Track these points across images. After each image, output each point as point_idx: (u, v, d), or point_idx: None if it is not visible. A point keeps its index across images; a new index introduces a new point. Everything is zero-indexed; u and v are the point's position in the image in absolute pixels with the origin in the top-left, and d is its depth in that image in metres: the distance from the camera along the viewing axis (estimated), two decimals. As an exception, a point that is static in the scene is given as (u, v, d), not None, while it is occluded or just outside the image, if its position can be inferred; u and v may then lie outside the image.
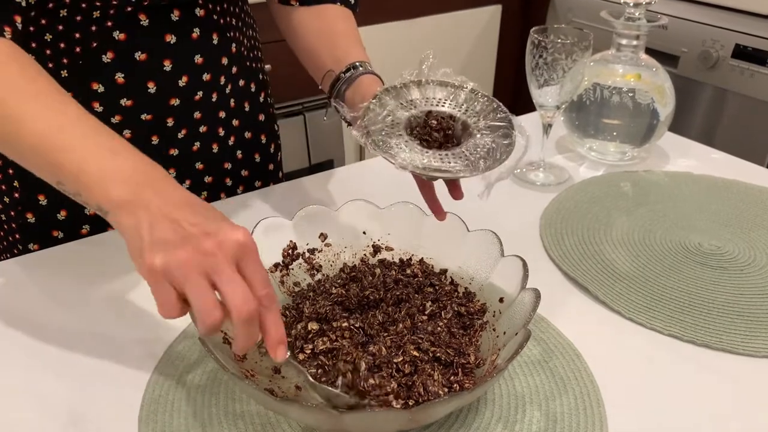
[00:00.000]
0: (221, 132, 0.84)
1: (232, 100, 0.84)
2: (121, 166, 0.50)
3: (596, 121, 0.94)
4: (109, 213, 0.48)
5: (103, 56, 0.71)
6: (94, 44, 0.70)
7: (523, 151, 0.61)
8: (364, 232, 0.66)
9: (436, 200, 0.66)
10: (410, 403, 0.49)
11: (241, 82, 0.85)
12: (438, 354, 0.53)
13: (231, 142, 0.86)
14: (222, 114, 0.83)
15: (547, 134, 0.89)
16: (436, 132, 0.62)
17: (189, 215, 0.47)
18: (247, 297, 0.44)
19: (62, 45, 0.69)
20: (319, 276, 0.64)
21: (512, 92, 2.39)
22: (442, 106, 0.63)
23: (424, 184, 0.66)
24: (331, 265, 0.65)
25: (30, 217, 0.78)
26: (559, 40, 0.80)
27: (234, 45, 0.81)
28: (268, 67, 0.96)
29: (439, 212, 0.65)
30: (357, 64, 0.71)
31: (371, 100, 0.62)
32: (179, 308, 0.46)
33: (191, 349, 0.59)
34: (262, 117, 0.91)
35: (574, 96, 0.88)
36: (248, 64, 0.86)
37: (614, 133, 0.94)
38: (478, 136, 0.61)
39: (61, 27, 0.69)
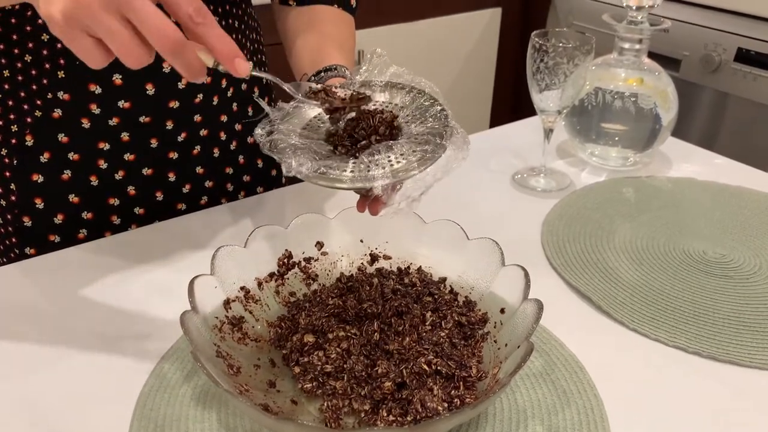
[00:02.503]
0: (223, 136, 0.83)
1: (234, 104, 0.83)
2: None
3: (598, 126, 0.93)
4: None
5: None
6: None
7: (450, 164, 0.52)
8: (361, 240, 0.65)
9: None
10: (408, 419, 0.48)
11: (244, 86, 0.84)
12: (439, 367, 0.51)
13: (233, 146, 0.85)
14: (223, 118, 0.82)
15: (549, 139, 0.88)
16: (351, 135, 0.54)
17: None
18: (166, 27, 0.41)
19: (59, 45, 0.68)
20: (315, 286, 0.63)
21: (512, 96, 2.38)
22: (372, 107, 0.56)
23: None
24: (328, 275, 0.64)
25: (27, 221, 0.76)
26: (561, 44, 0.79)
27: None
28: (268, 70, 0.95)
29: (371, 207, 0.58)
30: (333, 66, 0.67)
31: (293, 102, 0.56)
32: (102, 55, 0.43)
33: (184, 361, 0.58)
34: None
35: (576, 100, 0.86)
36: None
37: (616, 138, 0.93)
38: (400, 141, 0.53)
39: None
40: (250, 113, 0.86)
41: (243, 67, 0.44)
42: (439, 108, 0.55)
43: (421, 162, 0.50)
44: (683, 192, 0.88)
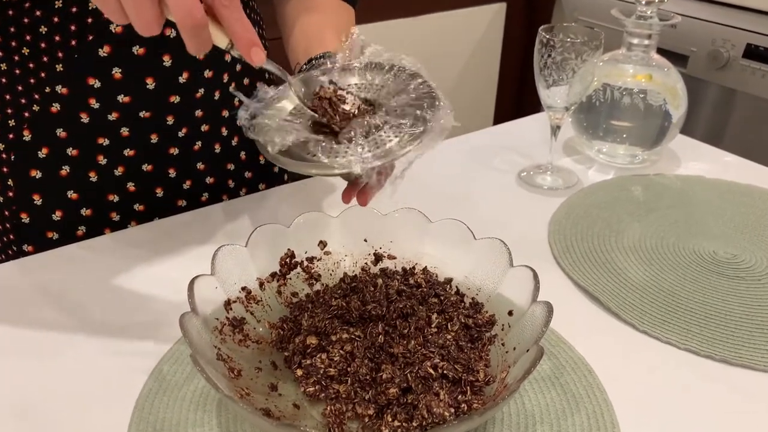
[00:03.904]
0: (224, 131, 0.81)
1: (236, 99, 0.81)
2: None
3: (606, 122, 0.91)
4: None
5: (100, 50, 0.68)
6: (90, 37, 0.67)
7: (432, 139, 0.49)
8: (365, 240, 0.63)
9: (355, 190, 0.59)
10: (414, 425, 0.46)
11: (246, 81, 0.82)
12: (445, 371, 0.50)
13: (234, 142, 0.83)
14: (225, 113, 0.80)
15: (556, 136, 0.86)
16: (330, 116, 0.52)
17: None
18: (193, 7, 0.40)
19: (57, 38, 0.67)
20: (318, 286, 0.61)
21: (517, 92, 2.36)
22: (350, 89, 0.55)
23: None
24: (331, 275, 0.62)
25: (24, 218, 0.75)
26: (569, 39, 0.77)
27: None
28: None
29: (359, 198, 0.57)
30: (326, 54, 0.64)
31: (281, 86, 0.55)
32: (123, 15, 0.42)
33: (184, 362, 0.56)
34: None
35: (584, 97, 0.85)
36: None
37: (624, 136, 0.91)
38: (382, 120, 0.51)
39: (56, 19, 0.66)
40: None
41: (259, 57, 0.44)
42: (420, 81, 0.53)
43: (412, 138, 0.48)
44: (692, 190, 0.86)
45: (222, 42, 0.45)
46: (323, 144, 0.50)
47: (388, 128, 0.50)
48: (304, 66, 0.64)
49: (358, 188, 0.59)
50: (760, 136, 1.51)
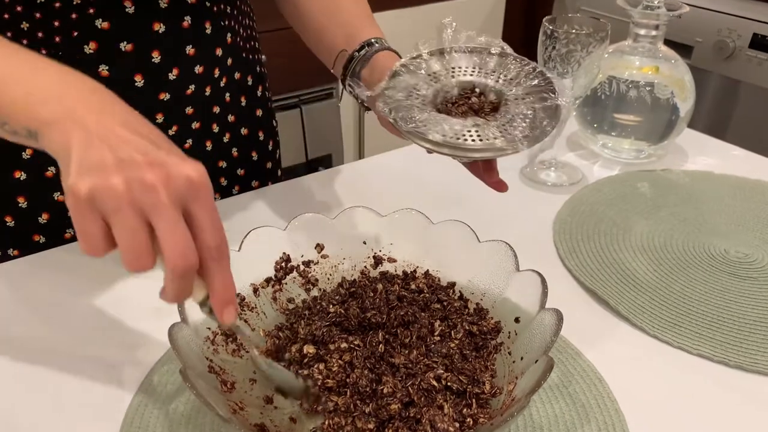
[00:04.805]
0: (215, 128, 0.79)
1: (227, 95, 0.78)
2: (48, 82, 0.43)
3: (611, 116, 0.89)
4: (39, 134, 0.41)
5: (85, 47, 0.65)
6: (75, 33, 0.65)
7: (565, 116, 0.55)
8: (364, 242, 0.61)
9: (493, 170, 0.60)
10: (417, 441, 0.44)
11: (237, 75, 0.79)
12: (449, 382, 0.47)
13: (226, 139, 0.81)
14: (216, 109, 0.78)
15: (560, 131, 0.83)
16: (464, 106, 0.55)
17: (133, 137, 0.40)
18: (187, 249, 0.38)
19: (40, 34, 0.64)
20: (315, 291, 0.59)
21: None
22: (470, 75, 0.57)
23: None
24: (329, 279, 0.60)
25: (9, 221, 0.72)
26: (574, 31, 0.75)
27: (229, 34, 0.76)
28: (263, 58, 0.90)
29: (499, 184, 0.60)
30: (372, 40, 0.65)
31: (386, 78, 0.56)
32: (104, 246, 0.39)
33: (175, 372, 0.54)
34: (259, 112, 0.86)
35: (589, 90, 0.82)
36: (244, 55, 0.80)
37: (629, 130, 0.88)
38: (516, 105, 0.54)
39: (38, 14, 0.63)
40: (243, 103, 0.82)
41: (230, 317, 0.42)
42: (530, 66, 0.57)
43: (550, 120, 0.52)
44: (701, 186, 0.83)
45: (198, 294, 0.42)
46: (483, 127, 0.53)
47: (530, 111, 0.53)
48: (356, 53, 0.64)
49: (495, 171, 0.60)
50: (765, 127, 1.48)
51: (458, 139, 0.51)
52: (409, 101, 0.54)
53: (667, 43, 0.88)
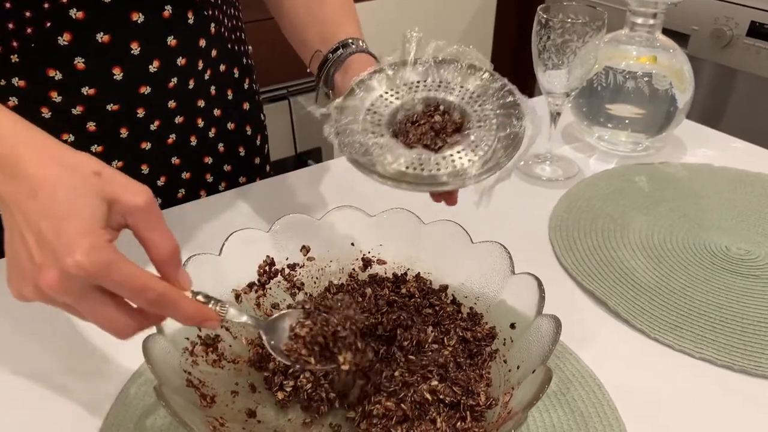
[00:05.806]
0: (200, 123, 0.76)
1: (212, 88, 0.75)
2: None
3: (607, 108, 0.86)
4: None
5: (59, 38, 0.62)
6: (48, 24, 0.61)
7: (528, 144, 0.48)
8: (352, 244, 0.58)
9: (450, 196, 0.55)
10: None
11: (222, 67, 0.76)
12: (442, 395, 0.45)
13: (212, 134, 0.78)
14: (201, 103, 0.75)
15: (555, 124, 0.81)
16: (425, 125, 0.50)
17: (27, 234, 0.38)
18: (119, 324, 0.39)
19: (11, 25, 0.61)
20: (300, 296, 0.56)
21: (510, 75, 2.29)
22: (434, 91, 0.52)
23: None
24: (315, 283, 0.57)
25: None
26: (569, 20, 0.72)
27: (213, 25, 0.72)
28: (249, 48, 0.87)
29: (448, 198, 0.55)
30: (349, 41, 0.62)
31: (341, 96, 0.52)
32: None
33: (151, 387, 0.51)
34: (246, 105, 0.83)
35: (584, 81, 0.79)
36: (230, 46, 0.77)
37: (626, 122, 0.86)
38: (478, 128, 0.49)
39: (8, 5, 0.60)
40: (230, 96, 0.79)
41: (213, 325, 0.44)
42: (499, 84, 0.51)
43: (508, 151, 0.47)
44: (700, 180, 0.81)
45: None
46: (430, 159, 0.48)
47: (488, 138, 0.48)
48: (330, 55, 0.62)
49: (453, 197, 0.55)
50: (762, 116, 1.46)
51: (406, 169, 0.47)
52: (361, 125, 0.50)
53: (663, 31, 0.85)
